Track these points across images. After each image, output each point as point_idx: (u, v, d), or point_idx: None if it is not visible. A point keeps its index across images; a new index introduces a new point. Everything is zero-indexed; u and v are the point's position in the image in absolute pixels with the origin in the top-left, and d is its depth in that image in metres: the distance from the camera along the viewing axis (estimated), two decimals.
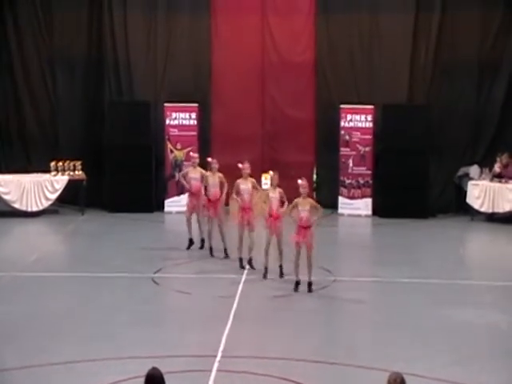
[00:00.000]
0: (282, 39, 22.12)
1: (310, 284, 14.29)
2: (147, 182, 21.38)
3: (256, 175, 21.48)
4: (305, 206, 14.18)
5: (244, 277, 15.25)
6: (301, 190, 14.22)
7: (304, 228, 14.24)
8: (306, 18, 22.05)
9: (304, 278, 14.29)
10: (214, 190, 16.54)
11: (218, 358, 11.02)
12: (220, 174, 16.63)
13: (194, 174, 17.08)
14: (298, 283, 14.31)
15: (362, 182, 21.45)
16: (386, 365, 9.98)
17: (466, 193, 20.84)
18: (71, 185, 20.87)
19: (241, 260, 15.73)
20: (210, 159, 17.18)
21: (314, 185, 22.40)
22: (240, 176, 15.87)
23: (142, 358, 10.76)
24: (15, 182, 20.79)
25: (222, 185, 16.62)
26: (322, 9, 21.83)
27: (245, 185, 15.73)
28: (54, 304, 13.60)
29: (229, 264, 15.95)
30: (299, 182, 14.32)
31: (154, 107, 21.71)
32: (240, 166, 15.90)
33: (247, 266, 15.59)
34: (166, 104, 21.63)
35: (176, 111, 21.62)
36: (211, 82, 22.18)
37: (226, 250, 16.38)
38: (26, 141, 22.55)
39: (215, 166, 16.66)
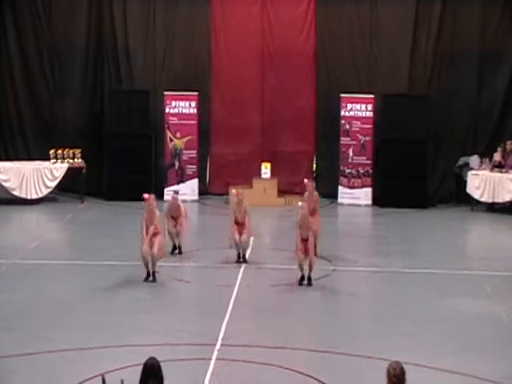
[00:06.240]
0: (282, 28, 22.01)
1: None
2: (146, 170, 21.33)
3: (255, 165, 21.59)
4: None
5: (243, 266, 15.25)
6: None
7: None
8: (307, 6, 21.94)
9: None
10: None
11: (218, 347, 11.04)
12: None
13: None
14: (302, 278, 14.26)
15: (361, 171, 21.41)
16: (386, 354, 9.96)
17: (466, 183, 20.81)
18: (71, 173, 20.84)
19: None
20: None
21: (314, 174, 22.38)
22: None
23: (141, 345, 10.77)
24: (15, 170, 20.76)
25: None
26: None
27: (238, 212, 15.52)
28: (53, 292, 13.59)
29: (228, 254, 15.91)
30: None
31: (153, 95, 21.65)
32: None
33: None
34: (165, 92, 21.58)
35: (176, 100, 21.55)
36: (211, 71, 22.11)
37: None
38: (25, 129, 22.46)
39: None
